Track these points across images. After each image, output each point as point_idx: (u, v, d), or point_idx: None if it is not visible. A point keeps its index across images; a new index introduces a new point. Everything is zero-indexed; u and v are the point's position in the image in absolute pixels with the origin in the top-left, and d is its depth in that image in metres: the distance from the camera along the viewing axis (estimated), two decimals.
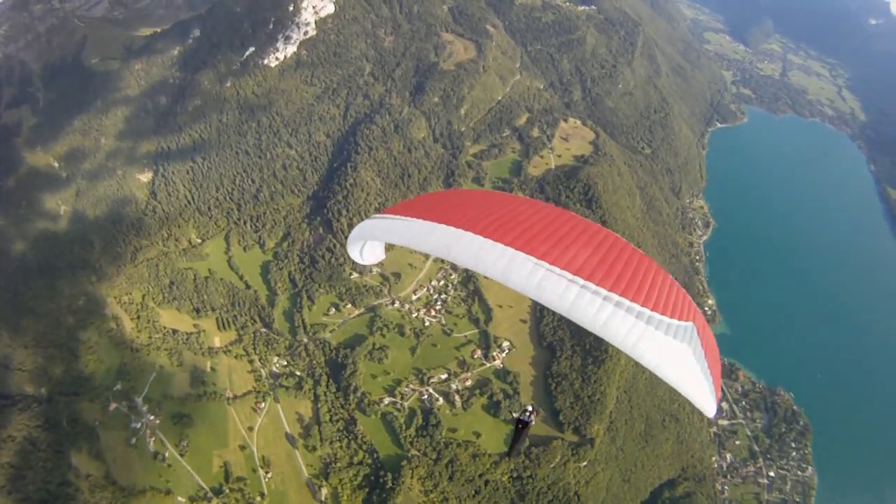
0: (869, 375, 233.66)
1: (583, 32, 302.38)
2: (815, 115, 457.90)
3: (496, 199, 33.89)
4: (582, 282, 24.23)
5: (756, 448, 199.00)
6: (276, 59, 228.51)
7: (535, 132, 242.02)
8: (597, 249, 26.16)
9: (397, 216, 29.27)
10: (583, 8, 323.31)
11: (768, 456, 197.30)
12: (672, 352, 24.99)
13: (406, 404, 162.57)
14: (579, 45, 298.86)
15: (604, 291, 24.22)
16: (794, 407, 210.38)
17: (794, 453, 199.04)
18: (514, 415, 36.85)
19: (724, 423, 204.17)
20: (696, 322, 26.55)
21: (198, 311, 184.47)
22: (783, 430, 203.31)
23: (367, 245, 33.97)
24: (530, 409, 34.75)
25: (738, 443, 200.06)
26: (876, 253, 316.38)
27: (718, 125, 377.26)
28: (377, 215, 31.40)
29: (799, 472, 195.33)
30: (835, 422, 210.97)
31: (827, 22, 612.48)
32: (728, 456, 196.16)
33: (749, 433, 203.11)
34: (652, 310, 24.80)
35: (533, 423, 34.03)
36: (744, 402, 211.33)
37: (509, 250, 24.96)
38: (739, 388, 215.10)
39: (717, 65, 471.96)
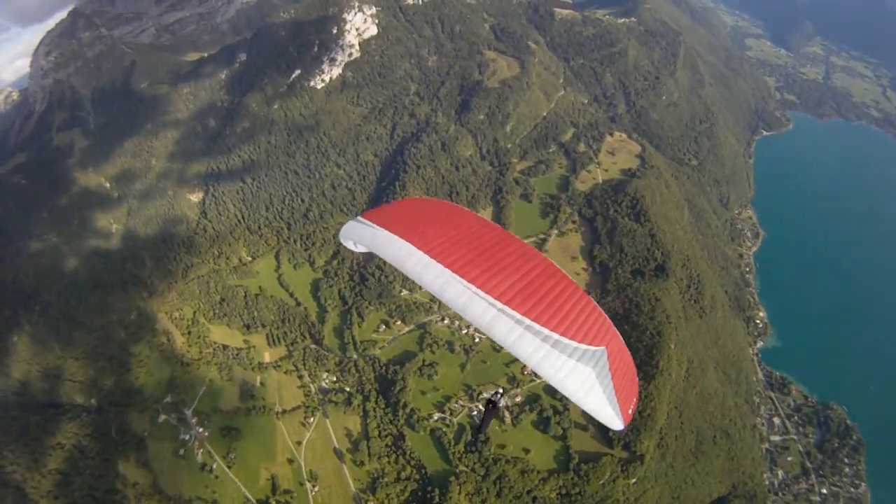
0: None
1: (624, 45, 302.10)
2: (861, 118, 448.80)
3: (457, 218, 36.11)
4: (500, 305, 28.53)
5: (808, 464, 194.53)
6: (322, 80, 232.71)
7: (582, 147, 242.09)
8: (524, 276, 30.27)
9: (370, 223, 33.65)
10: (623, 20, 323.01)
11: (821, 472, 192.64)
12: (575, 373, 28.74)
13: (455, 420, 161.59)
14: (621, 57, 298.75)
15: (517, 315, 28.41)
16: (848, 422, 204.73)
17: (847, 469, 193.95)
18: (485, 395, 39.48)
19: (776, 438, 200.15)
20: (609, 347, 30.09)
21: (248, 327, 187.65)
22: (836, 445, 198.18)
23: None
24: (501, 391, 38.73)
25: (790, 459, 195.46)
26: None
27: (764, 133, 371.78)
28: (359, 218, 34.74)
29: (852, 489, 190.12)
30: (890, 437, 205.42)
31: (866, 21, 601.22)
32: (780, 473, 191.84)
33: (801, 449, 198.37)
34: (561, 334, 28.65)
35: (501, 404, 36.80)
36: (796, 417, 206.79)
37: (447, 272, 29.61)
38: (792, 403, 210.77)
39: (760, 71, 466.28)
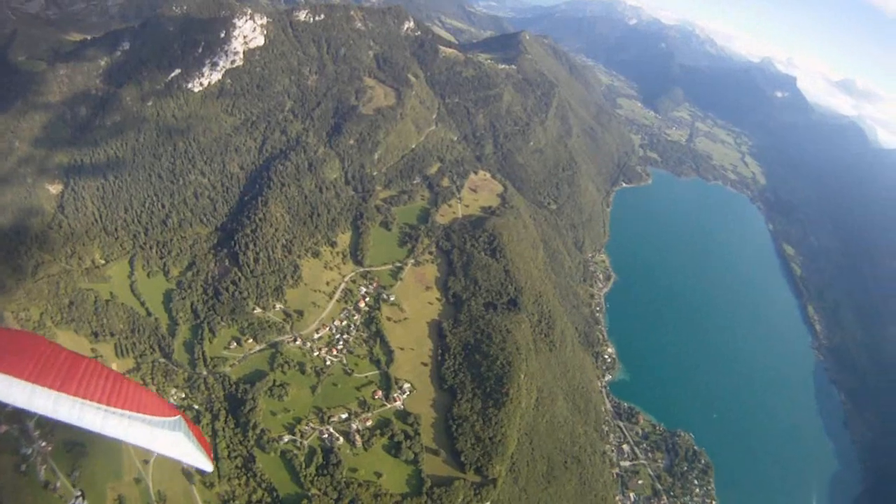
0: (765, 413, 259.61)
1: (500, 89, 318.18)
2: (718, 179, 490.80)
3: (38, 346, 37.73)
4: (110, 408, 34.92)
5: (659, 486, 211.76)
6: (201, 84, 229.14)
7: (446, 182, 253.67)
8: (113, 383, 36.39)
9: None
10: (503, 66, 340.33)
11: (672, 493, 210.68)
12: (174, 439, 37.59)
13: (306, 443, 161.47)
14: (496, 101, 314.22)
15: (119, 411, 35.28)
16: (695, 447, 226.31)
17: (698, 490, 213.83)
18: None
19: (626, 464, 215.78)
20: (182, 415, 39.60)
21: (96, 334, 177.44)
22: (685, 468, 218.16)
23: None
24: (79, 493, 44.86)
25: (640, 482, 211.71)
26: (772, 303, 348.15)
27: (624, 185, 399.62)
28: None
29: None
30: (734, 458, 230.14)
31: (736, 94, 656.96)
32: (632, 495, 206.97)
33: (651, 473, 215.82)
34: (152, 415, 36.97)
35: None
36: (644, 444, 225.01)
37: (55, 392, 33.55)
38: (640, 431, 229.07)
39: (627, 129, 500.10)
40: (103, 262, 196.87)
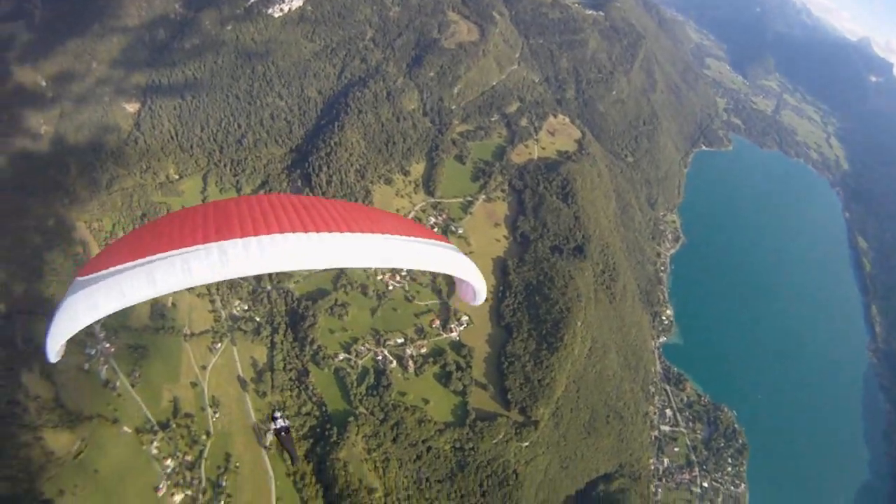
0: (808, 405, 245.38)
1: (586, 35, 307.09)
2: (800, 156, 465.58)
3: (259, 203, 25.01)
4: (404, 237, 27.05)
5: (693, 458, 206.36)
6: (281, 10, 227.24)
7: (524, 122, 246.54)
8: (385, 217, 30.12)
9: (132, 265, 21.30)
10: (591, 12, 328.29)
11: (704, 467, 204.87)
12: (467, 263, 32.09)
13: (360, 362, 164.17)
14: (581, 46, 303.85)
15: (415, 238, 27.93)
16: (736, 425, 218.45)
17: (730, 468, 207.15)
18: (273, 426, 39.12)
19: (666, 428, 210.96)
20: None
21: None
22: (722, 445, 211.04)
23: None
24: (277, 415, 39.53)
25: (676, 450, 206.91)
26: (836, 295, 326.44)
27: (703, 147, 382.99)
28: (88, 277, 22.02)
29: (732, 487, 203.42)
30: (771, 443, 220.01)
31: (829, 71, 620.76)
32: (665, 461, 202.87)
33: (688, 442, 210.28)
34: (440, 241, 30.63)
35: (287, 424, 39.93)
36: (687, 413, 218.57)
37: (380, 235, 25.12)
38: (685, 399, 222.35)
39: (713, 91, 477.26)
40: (177, 177, 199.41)
